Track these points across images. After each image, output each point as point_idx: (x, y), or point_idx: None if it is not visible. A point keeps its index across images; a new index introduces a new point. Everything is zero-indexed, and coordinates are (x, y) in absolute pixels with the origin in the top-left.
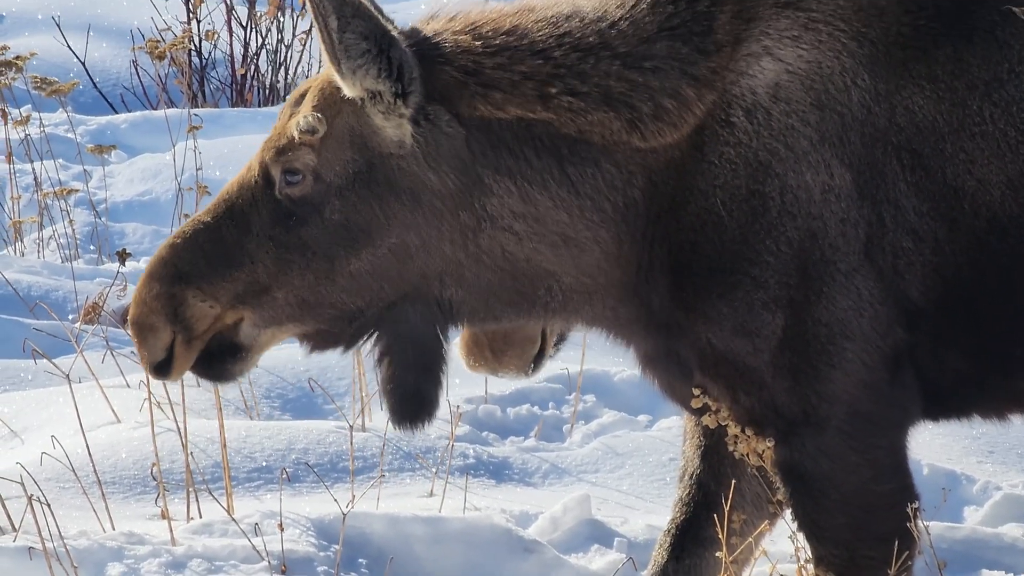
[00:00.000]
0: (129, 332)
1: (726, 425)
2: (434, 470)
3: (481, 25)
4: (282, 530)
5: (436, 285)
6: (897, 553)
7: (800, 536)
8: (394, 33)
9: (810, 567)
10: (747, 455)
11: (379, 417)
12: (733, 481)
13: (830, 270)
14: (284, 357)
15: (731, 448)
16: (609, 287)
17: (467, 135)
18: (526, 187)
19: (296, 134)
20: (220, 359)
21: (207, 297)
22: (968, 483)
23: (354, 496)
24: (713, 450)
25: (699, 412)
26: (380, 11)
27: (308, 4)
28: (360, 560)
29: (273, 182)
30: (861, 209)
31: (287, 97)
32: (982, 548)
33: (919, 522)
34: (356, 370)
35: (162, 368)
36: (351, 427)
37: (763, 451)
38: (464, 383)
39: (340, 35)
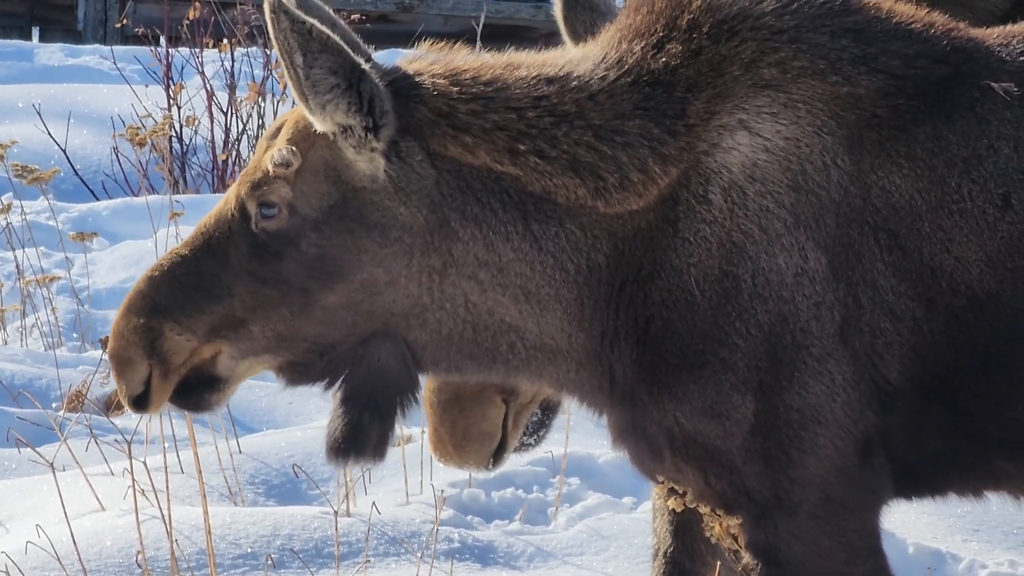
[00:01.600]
0: (110, 365)
1: (695, 507)
2: (419, 555)
3: (462, 72)
4: None
5: (403, 324)
6: None
7: None
8: (365, 67)
9: None
10: (721, 537)
11: (364, 502)
12: (719, 563)
13: (802, 355)
14: (268, 443)
15: (708, 534)
16: (572, 350)
17: (437, 176)
18: (491, 236)
19: (271, 167)
20: (198, 391)
21: (184, 330)
22: (954, 562)
23: None
24: (686, 527)
25: (668, 492)
26: (355, 44)
27: (273, 40)
28: None
29: (249, 216)
30: (836, 291)
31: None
32: None
33: None
34: None
35: (140, 401)
36: (336, 513)
37: (736, 532)
38: (448, 468)
39: (307, 71)
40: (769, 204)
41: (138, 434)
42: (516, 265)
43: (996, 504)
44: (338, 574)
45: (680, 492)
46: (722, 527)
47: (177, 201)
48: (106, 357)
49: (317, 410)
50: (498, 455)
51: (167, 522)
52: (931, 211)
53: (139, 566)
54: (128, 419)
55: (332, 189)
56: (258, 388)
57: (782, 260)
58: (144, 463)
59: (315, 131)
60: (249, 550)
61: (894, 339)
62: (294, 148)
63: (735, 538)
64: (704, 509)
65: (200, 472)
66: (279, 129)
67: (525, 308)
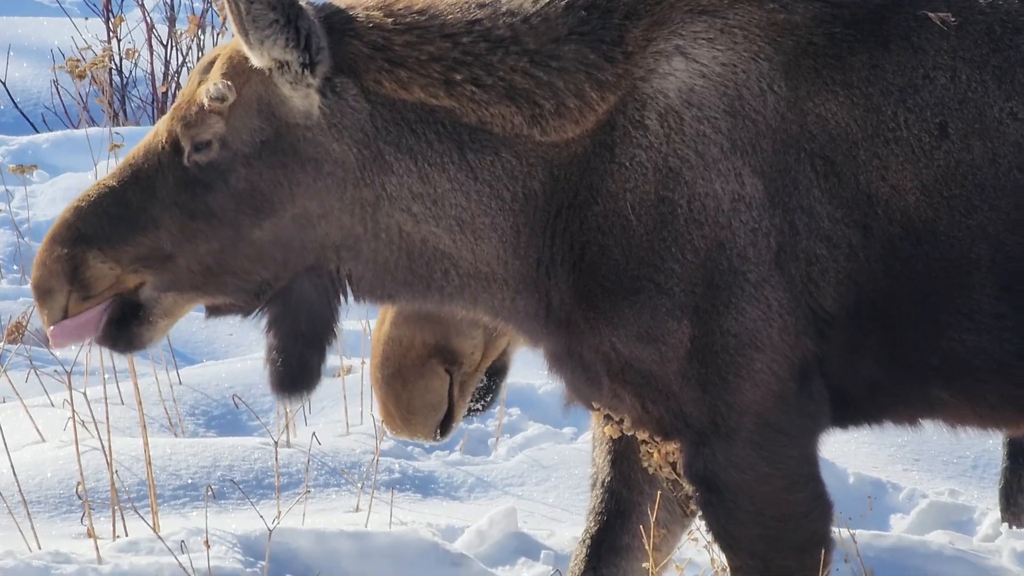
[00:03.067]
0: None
1: (632, 434)
2: (360, 485)
3: (395, 2)
4: (208, 547)
5: (334, 258)
6: (813, 562)
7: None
8: (303, 4)
9: None
10: (659, 467)
11: (304, 433)
12: (657, 492)
13: (739, 280)
14: (208, 375)
15: (645, 463)
16: (508, 277)
17: (371, 110)
18: (426, 168)
19: (206, 101)
20: (125, 324)
21: (108, 259)
22: (894, 491)
23: (280, 512)
24: (624, 456)
25: (605, 419)
26: None
27: None
28: None
29: (181, 149)
30: (772, 218)
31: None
32: (909, 556)
33: (839, 529)
34: None
35: None
36: (276, 443)
37: (674, 459)
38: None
39: (248, 5)
40: (706, 129)
41: (78, 366)
42: (451, 196)
43: (936, 434)
44: (278, 505)
45: (617, 419)
46: (660, 454)
47: (117, 133)
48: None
49: (257, 342)
50: (446, 425)
51: (107, 453)
52: (867, 139)
53: (79, 497)
54: (68, 351)
55: (265, 124)
56: (198, 320)
57: (719, 185)
58: (84, 394)
59: (250, 66)
60: (189, 481)
61: (830, 266)
62: (229, 83)
63: (673, 466)
64: (642, 435)
65: (140, 403)
66: (211, 63)
67: (460, 237)
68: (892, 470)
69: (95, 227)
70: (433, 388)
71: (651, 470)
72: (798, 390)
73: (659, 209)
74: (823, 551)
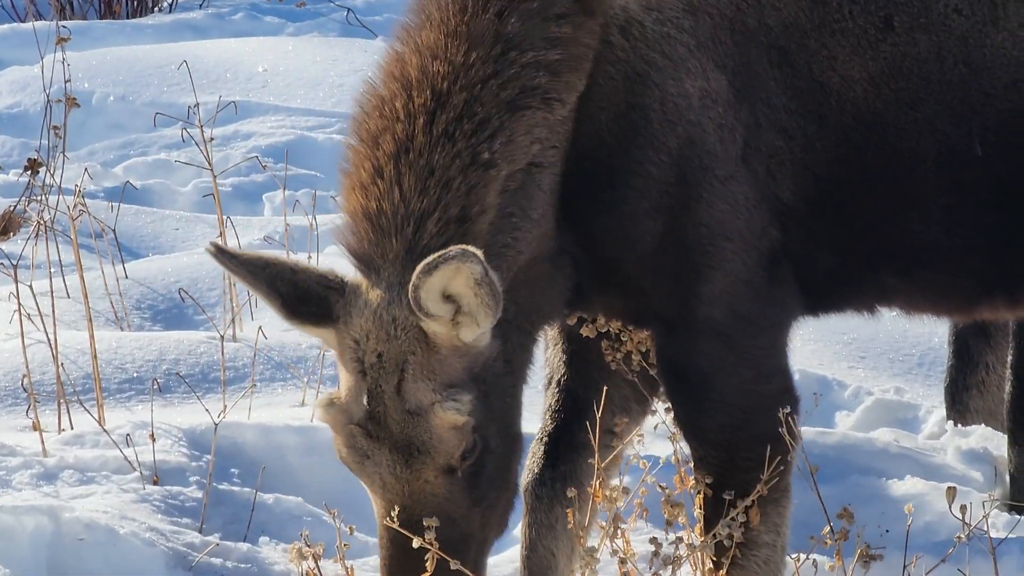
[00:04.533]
0: None
1: (605, 332)
2: (306, 379)
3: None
4: (154, 441)
5: None
6: (776, 454)
7: (680, 438)
8: None
9: (690, 468)
10: (631, 353)
11: (250, 327)
12: (605, 387)
13: (708, 177)
14: (155, 269)
15: (608, 359)
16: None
17: None
18: None
19: None
20: None
21: None
22: (840, 388)
23: (226, 406)
24: (579, 356)
25: (576, 325)
26: None
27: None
28: (232, 470)
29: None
30: (738, 113)
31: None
32: (854, 453)
33: (797, 423)
34: (226, 280)
35: None
36: (222, 337)
37: (646, 348)
38: None
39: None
40: (669, 30)
41: (24, 259)
42: None
43: (883, 331)
44: (224, 399)
45: (591, 319)
46: (632, 343)
47: (64, 27)
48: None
49: (203, 235)
50: None
51: (53, 346)
52: (815, 29)
53: (25, 390)
54: (14, 244)
55: None
56: (144, 214)
57: (688, 84)
58: (30, 287)
59: None
60: (135, 375)
61: (787, 158)
62: None
63: (644, 355)
64: (615, 328)
65: (86, 297)
66: None
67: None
68: (838, 368)
69: None
70: None
71: (614, 365)
72: (768, 279)
73: (632, 117)
74: (787, 444)
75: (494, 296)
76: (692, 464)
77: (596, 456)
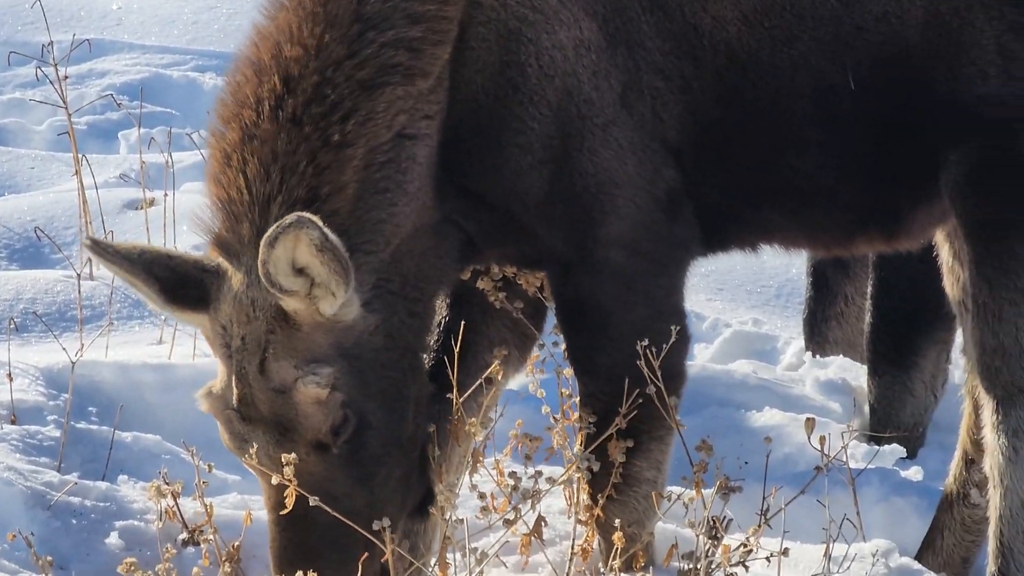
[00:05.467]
0: None
1: (499, 281)
2: (163, 318)
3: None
4: (11, 380)
5: None
6: (668, 390)
7: (570, 373)
8: None
9: (576, 406)
10: (527, 284)
11: None
12: (498, 328)
13: (587, 125)
14: (10, 208)
15: (492, 297)
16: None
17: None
18: None
19: None
20: None
21: None
22: (698, 320)
23: (83, 345)
24: (462, 300)
25: (473, 274)
26: None
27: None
28: (90, 409)
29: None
30: (613, 58)
31: None
32: (712, 385)
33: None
34: (83, 219)
35: None
36: (79, 276)
37: (540, 284)
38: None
39: None
40: None
41: None
42: None
43: (740, 263)
44: (81, 338)
45: (484, 269)
46: (527, 282)
47: None
48: None
49: (59, 174)
50: None
51: None
52: None
53: None
54: None
55: None
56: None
57: (562, 35)
58: None
59: None
60: None
61: (669, 99)
62: None
63: (540, 289)
64: (510, 274)
65: None
66: None
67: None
68: (696, 300)
69: None
70: None
71: (499, 304)
72: (667, 220)
73: (508, 74)
74: (677, 382)
75: (340, 262)
76: (579, 399)
77: (455, 392)
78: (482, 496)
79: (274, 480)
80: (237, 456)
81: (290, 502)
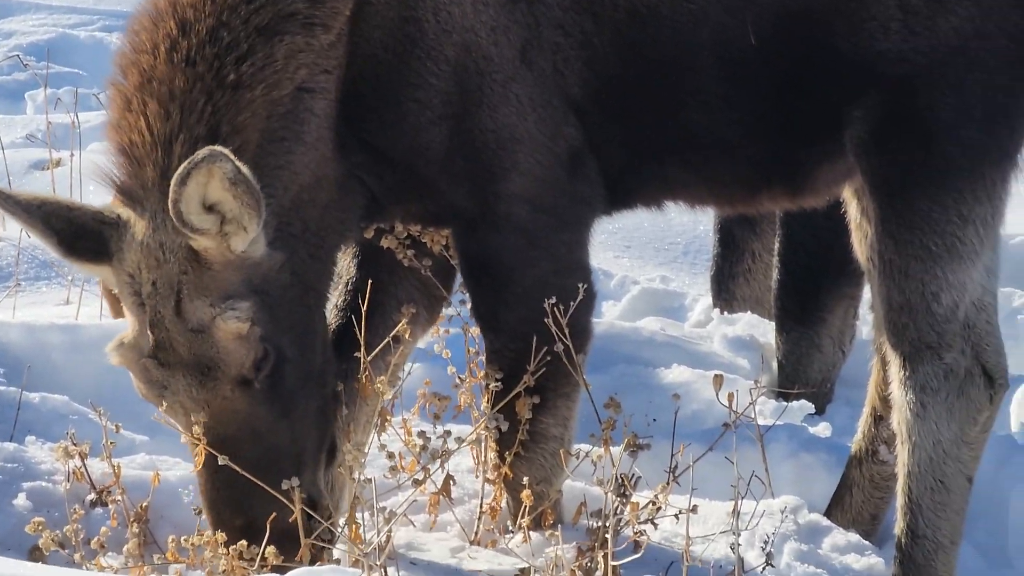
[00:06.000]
0: None
1: (405, 239)
2: (70, 278)
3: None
4: None
5: None
6: (574, 347)
7: (477, 332)
8: None
9: (482, 362)
10: (433, 243)
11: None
12: (405, 288)
13: (487, 81)
14: None
15: (400, 255)
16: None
17: None
18: None
19: None
20: None
21: None
22: (606, 278)
23: None
24: (370, 260)
25: (376, 232)
26: None
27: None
28: None
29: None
30: (513, 14)
31: None
32: (620, 343)
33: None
34: None
35: None
36: None
37: (446, 242)
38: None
39: None
40: None
41: None
42: None
43: (648, 220)
44: None
45: (388, 228)
46: (432, 240)
47: None
48: None
49: None
50: None
51: None
52: None
53: None
54: None
55: None
56: None
57: None
58: None
59: None
60: None
61: (570, 54)
62: None
63: (446, 247)
64: (415, 232)
65: None
66: None
67: None
68: (603, 257)
69: None
70: None
71: (407, 262)
72: (570, 177)
73: (407, 30)
74: (583, 339)
75: (252, 194)
76: (485, 355)
77: (363, 350)
78: (391, 456)
79: (195, 424)
80: (155, 405)
81: (222, 460)
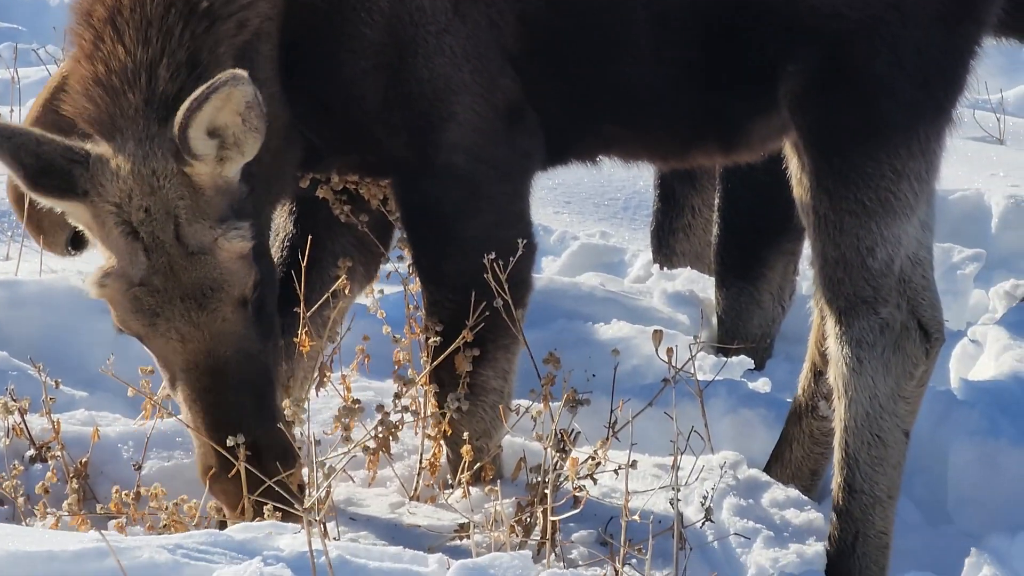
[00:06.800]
0: None
1: (339, 191)
2: (9, 234)
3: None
4: None
5: None
6: (513, 299)
7: (416, 289)
8: None
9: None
10: (370, 198)
11: None
12: (325, 241)
13: (420, 32)
14: None
15: (337, 211)
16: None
17: None
18: None
19: None
20: None
21: None
22: (546, 234)
23: None
24: (307, 215)
25: (310, 188)
26: None
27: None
28: None
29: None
30: None
31: None
32: (560, 297)
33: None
34: None
35: None
36: None
37: (384, 196)
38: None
39: None
40: None
41: None
42: None
43: (588, 176)
44: None
45: (324, 179)
46: (370, 192)
47: None
48: None
49: None
50: (78, 241)
51: None
52: None
53: None
54: None
55: None
56: None
57: None
58: None
59: None
60: None
61: (504, 6)
62: None
63: (384, 201)
64: (351, 185)
65: None
66: None
67: None
68: (543, 213)
69: None
70: None
71: (343, 218)
72: (508, 128)
73: None
74: (523, 291)
75: (263, 118)
76: (425, 309)
77: (302, 305)
78: (346, 414)
79: (188, 345)
80: (137, 336)
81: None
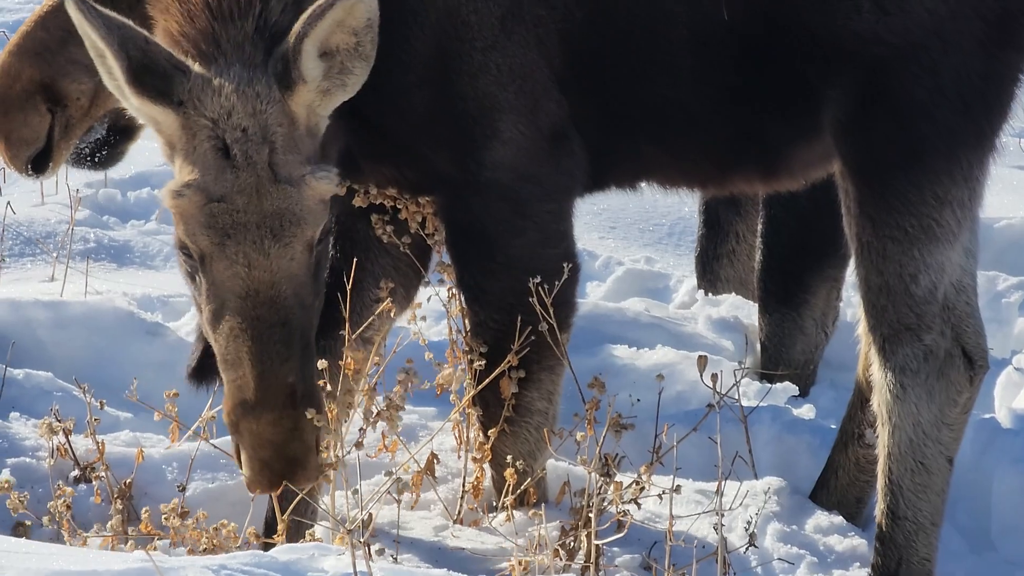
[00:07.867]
0: None
1: (379, 203)
2: (55, 255)
3: None
4: None
5: None
6: (558, 320)
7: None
8: None
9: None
10: (411, 217)
11: None
12: (382, 263)
13: (466, 48)
14: None
15: (379, 231)
16: None
17: None
18: None
19: None
20: None
21: None
22: (591, 259)
23: None
24: (344, 235)
25: (348, 196)
26: None
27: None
28: None
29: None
30: None
31: None
32: (605, 323)
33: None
34: None
35: None
36: None
37: (426, 215)
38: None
39: None
40: None
41: None
42: None
43: (633, 201)
44: None
45: (363, 190)
46: (408, 211)
47: None
48: None
49: None
50: (41, 163)
51: None
52: None
53: None
54: None
55: None
56: None
57: None
58: None
59: None
60: None
61: (552, 27)
62: None
63: (422, 224)
64: (388, 200)
65: None
66: None
67: None
68: (588, 238)
69: None
70: (31, 123)
71: (386, 238)
72: (553, 148)
73: None
74: (568, 313)
75: (375, 45)
76: (470, 329)
77: (347, 327)
78: (367, 420)
79: (253, 272)
80: (206, 251)
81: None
